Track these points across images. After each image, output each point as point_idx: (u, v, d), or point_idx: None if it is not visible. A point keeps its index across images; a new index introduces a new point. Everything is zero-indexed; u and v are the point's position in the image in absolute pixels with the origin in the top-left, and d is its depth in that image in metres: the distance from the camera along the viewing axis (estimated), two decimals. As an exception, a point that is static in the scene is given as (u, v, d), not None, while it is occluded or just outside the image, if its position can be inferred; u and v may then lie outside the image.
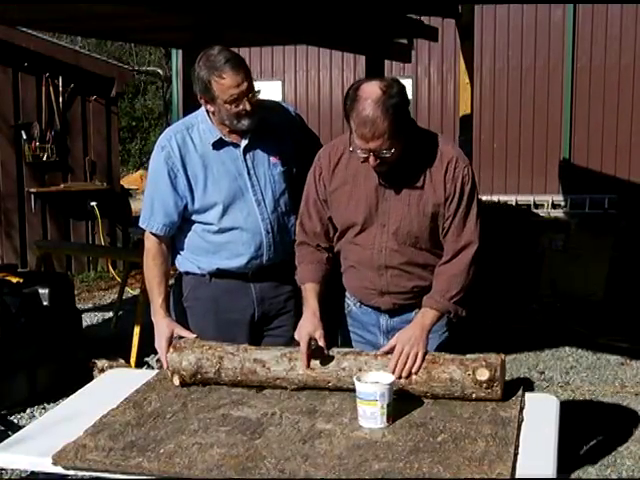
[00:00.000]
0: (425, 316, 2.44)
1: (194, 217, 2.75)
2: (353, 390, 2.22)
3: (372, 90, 2.30)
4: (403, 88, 2.36)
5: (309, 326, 2.43)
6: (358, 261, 2.59)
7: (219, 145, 2.71)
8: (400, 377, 2.29)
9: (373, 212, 2.50)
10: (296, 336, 2.45)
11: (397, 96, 2.31)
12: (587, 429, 4.27)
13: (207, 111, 2.71)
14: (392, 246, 2.52)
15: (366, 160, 2.38)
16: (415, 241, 2.50)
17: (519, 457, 2.00)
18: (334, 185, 2.55)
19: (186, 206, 2.72)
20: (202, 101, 2.68)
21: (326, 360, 2.38)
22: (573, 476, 3.71)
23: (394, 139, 2.32)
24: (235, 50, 2.70)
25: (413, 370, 2.30)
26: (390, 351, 2.37)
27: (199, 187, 2.70)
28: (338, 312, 2.77)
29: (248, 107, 2.60)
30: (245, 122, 2.64)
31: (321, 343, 2.39)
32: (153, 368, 5.03)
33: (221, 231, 2.74)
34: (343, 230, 2.58)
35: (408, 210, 2.47)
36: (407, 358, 2.30)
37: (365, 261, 2.57)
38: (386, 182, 2.47)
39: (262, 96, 2.77)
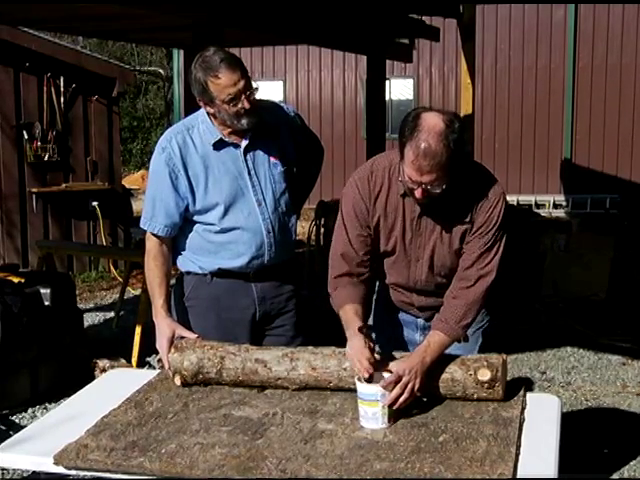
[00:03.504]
0: (431, 346, 2.32)
1: (195, 217, 2.75)
2: (355, 390, 2.22)
3: (435, 122, 2.21)
4: (463, 123, 2.31)
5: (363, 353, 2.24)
6: (395, 283, 2.61)
7: (220, 145, 2.71)
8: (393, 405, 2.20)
9: (407, 246, 2.48)
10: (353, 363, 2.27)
11: (458, 131, 2.24)
12: (588, 429, 4.27)
13: (207, 112, 2.71)
14: (427, 278, 2.52)
15: (411, 192, 2.31)
16: (449, 272, 2.50)
17: (520, 457, 2.00)
18: (376, 217, 2.48)
19: (187, 207, 2.72)
20: (201, 103, 2.68)
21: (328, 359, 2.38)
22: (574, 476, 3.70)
23: (447, 175, 2.25)
24: (236, 50, 2.71)
25: (403, 403, 2.21)
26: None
27: (200, 188, 2.70)
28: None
29: (247, 105, 2.60)
30: (245, 121, 2.64)
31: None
32: (155, 368, 5.03)
33: (222, 231, 2.74)
34: (382, 255, 2.55)
35: (441, 244, 2.46)
36: (404, 389, 2.21)
37: (401, 284, 2.59)
38: (424, 216, 2.42)
39: (263, 96, 2.77)
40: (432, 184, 2.25)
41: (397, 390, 2.20)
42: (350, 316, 2.38)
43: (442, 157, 2.20)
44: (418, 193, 2.28)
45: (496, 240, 2.43)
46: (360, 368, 2.21)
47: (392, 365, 2.27)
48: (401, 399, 2.20)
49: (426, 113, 2.25)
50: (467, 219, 2.41)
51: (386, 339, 2.66)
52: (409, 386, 2.22)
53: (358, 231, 2.49)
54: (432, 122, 2.22)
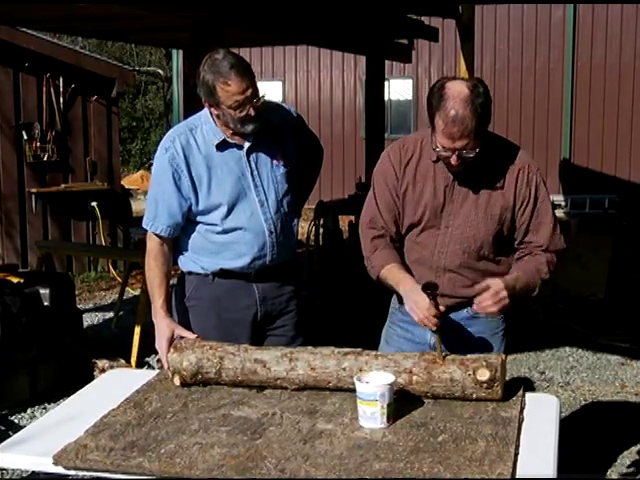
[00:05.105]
0: (518, 279, 2.48)
1: (198, 218, 2.75)
2: (354, 390, 2.22)
3: (460, 89, 2.31)
4: (487, 87, 2.38)
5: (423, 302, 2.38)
6: (417, 260, 2.59)
7: (223, 146, 2.71)
8: (483, 309, 2.40)
9: (438, 213, 2.51)
10: (413, 309, 2.43)
11: (484, 95, 2.33)
12: (587, 429, 4.27)
13: (211, 113, 2.71)
14: (453, 249, 2.52)
15: (446, 161, 2.39)
16: (480, 246, 2.51)
17: (520, 457, 2.00)
18: (404, 185, 2.54)
19: (190, 207, 2.72)
20: (206, 104, 2.68)
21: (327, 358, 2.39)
22: (573, 476, 3.71)
23: (479, 138, 2.34)
24: (236, 50, 2.71)
25: (494, 309, 2.39)
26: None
27: (203, 188, 2.71)
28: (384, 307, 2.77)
29: (252, 112, 2.61)
30: (249, 127, 2.64)
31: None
32: (154, 368, 5.03)
33: (225, 232, 2.74)
34: (408, 228, 2.58)
35: (475, 213, 2.48)
36: (496, 301, 2.38)
37: (424, 261, 2.57)
38: (458, 182, 2.47)
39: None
40: (465, 149, 2.33)
41: (490, 300, 2.37)
42: (401, 274, 2.50)
43: (471, 122, 2.29)
44: (453, 160, 2.36)
45: (554, 210, 2.54)
46: (429, 325, 2.38)
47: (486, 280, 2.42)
48: (490, 309, 2.38)
49: (450, 82, 2.35)
50: (502, 186, 2.47)
51: (400, 338, 2.70)
52: (502, 302, 2.38)
53: (387, 199, 2.57)
54: (457, 89, 2.31)
